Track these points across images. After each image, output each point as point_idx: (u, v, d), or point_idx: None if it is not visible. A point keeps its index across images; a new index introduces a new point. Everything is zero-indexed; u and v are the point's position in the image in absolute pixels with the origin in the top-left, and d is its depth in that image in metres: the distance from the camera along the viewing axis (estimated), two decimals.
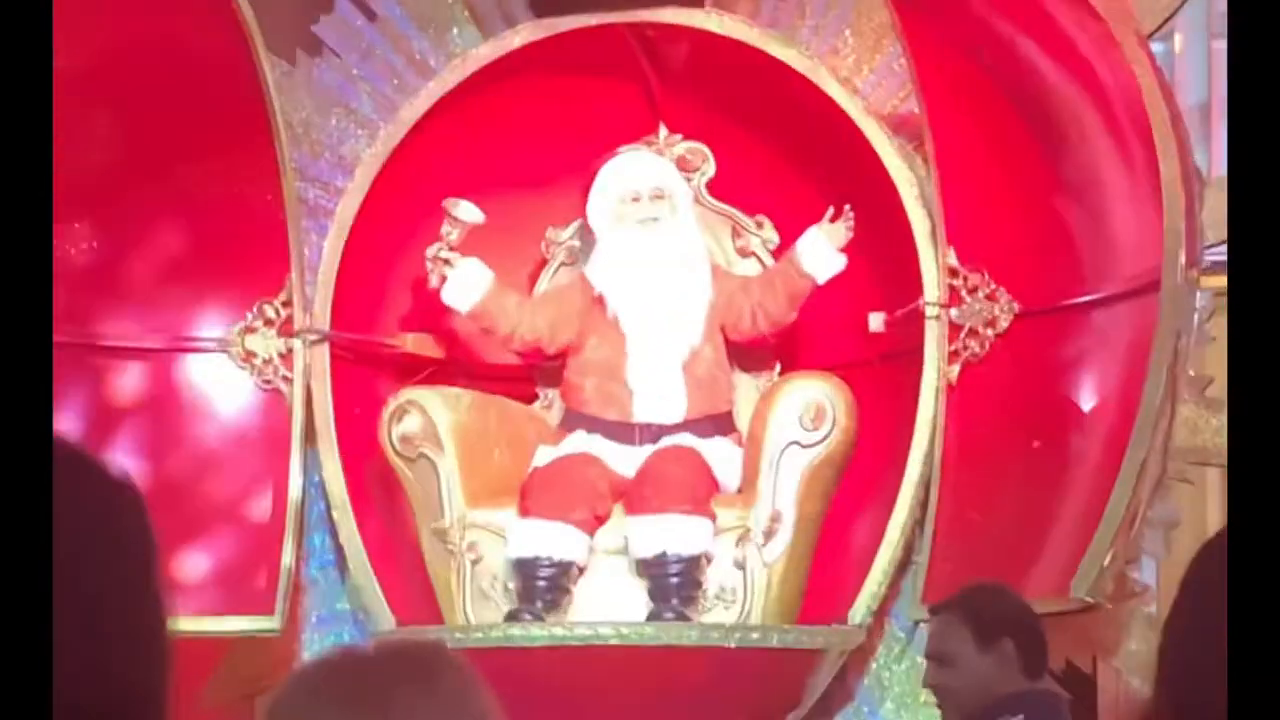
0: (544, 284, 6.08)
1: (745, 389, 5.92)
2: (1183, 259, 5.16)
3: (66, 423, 5.47)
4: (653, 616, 5.40)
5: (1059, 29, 5.39)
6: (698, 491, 5.49)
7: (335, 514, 5.76)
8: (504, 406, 5.88)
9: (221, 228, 5.83)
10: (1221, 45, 6.79)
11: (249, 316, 5.88)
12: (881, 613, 5.61)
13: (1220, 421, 5.41)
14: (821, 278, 5.63)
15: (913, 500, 5.53)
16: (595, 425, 5.71)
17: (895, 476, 5.56)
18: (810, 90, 5.78)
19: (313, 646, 5.83)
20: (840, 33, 5.94)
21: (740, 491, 5.62)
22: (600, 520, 5.54)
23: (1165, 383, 5.12)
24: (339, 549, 5.81)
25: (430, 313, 5.94)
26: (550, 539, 5.44)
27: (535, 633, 5.34)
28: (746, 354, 5.94)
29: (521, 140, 6.04)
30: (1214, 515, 6.21)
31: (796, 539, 5.50)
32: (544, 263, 6.11)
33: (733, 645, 5.33)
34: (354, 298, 5.92)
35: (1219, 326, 5.40)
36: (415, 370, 5.96)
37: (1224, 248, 4.86)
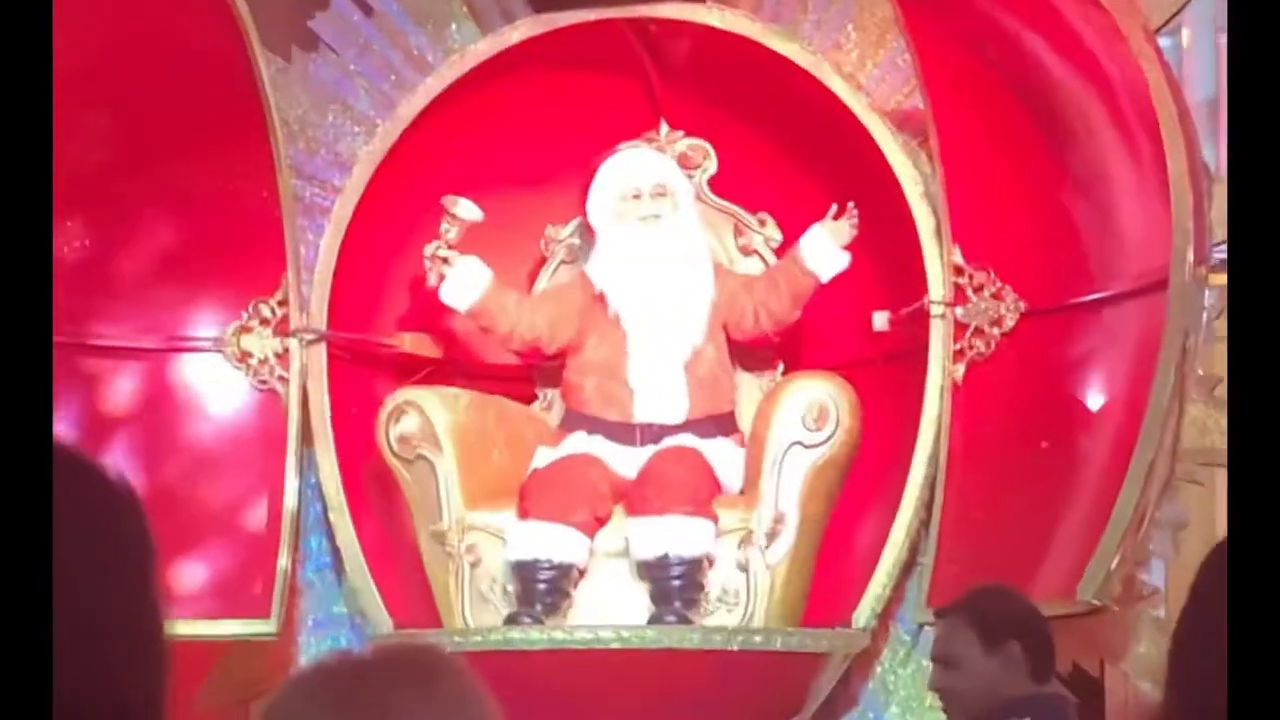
0: (543, 282, 6.08)
1: (748, 389, 5.92)
2: (1191, 256, 5.15)
3: (60, 424, 5.46)
4: (654, 620, 5.39)
5: (1065, 23, 5.39)
6: (699, 493, 5.48)
7: (332, 516, 5.76)
8: (503, 407, 5.87)
9: (216, 226, 5.83)
10: None
11: (244, 316, 5.88)
12: (886, 615, 5.61)
13: None
14: (825, 276, 5.63)
15: (917, 501, 5.53)
16: (595, 426, 5.71)
17: (899, 477, 5.56)
18: (813, 86, 5.78)
19: (309, 650, 5.83)
20: (843, 28, 5.94)
21: (743, 493, 5.62)
22: (601, 522, 5.53)
23: (1173, 382, 5.11)
24: (336, 551, 5.81)
25: (428, 312, 5.94)
26: (550, 541, 5.44)
27: (535, 636, 5.33)
28: (749, 353, 5.93)
29: (520, 137, 6.04)
30: (1223, 517, 6.20)
31: (800, 541, 5.50)
32: (543, 261, 6.11)
33: (735, 649, 5.32)
34: (351, 296, 5.91)
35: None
36: (413, 370, 5.96)
37: None
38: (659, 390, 5.70)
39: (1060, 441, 5.39)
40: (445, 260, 5.72)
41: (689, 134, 6.04)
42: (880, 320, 5.71)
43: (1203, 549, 1.94)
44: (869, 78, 5.88)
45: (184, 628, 5.25)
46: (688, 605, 5.40)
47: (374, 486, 5.81)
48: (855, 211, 5.57)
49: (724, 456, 5.63)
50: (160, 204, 5.81)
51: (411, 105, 5.94)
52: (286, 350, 5.83)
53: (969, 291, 5.59)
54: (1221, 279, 5.35)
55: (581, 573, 5.50)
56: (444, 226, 5.71)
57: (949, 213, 5.58)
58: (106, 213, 5.75)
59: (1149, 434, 5.06)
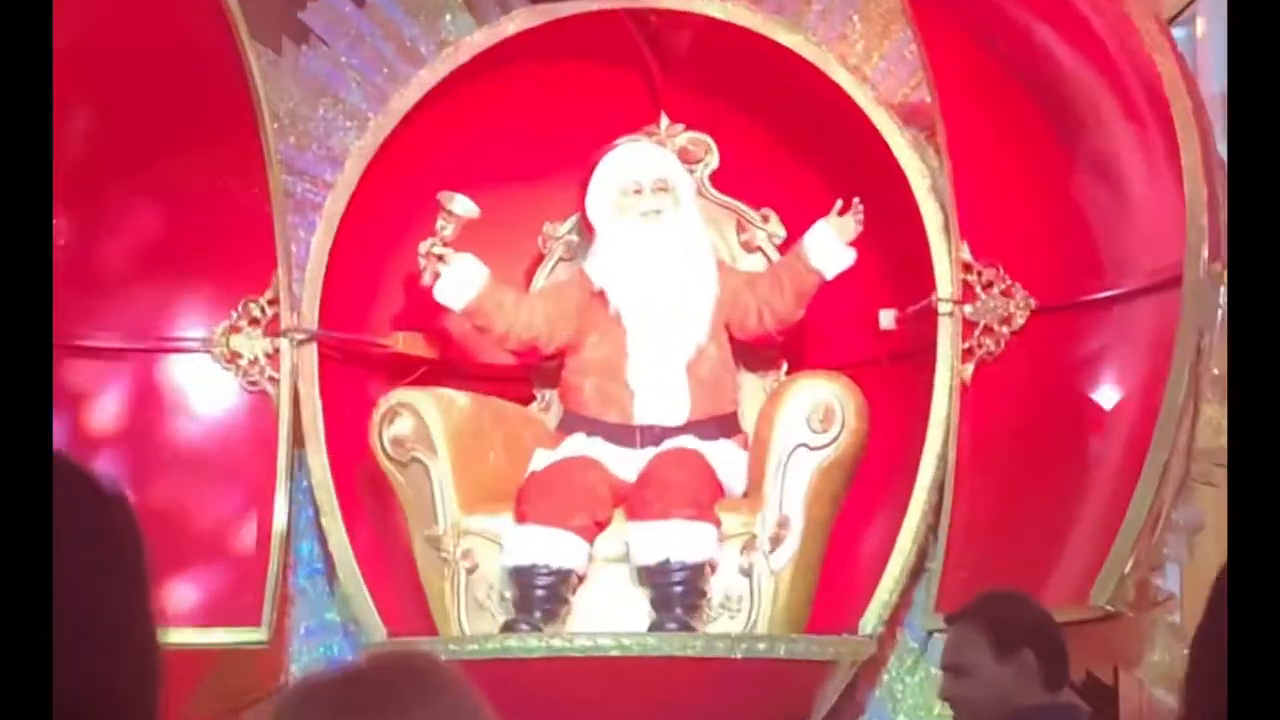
0: (541, 280, 6.08)
1: (751, 389, 5.92)
2: (1205, 253, 5.14)
3: None
4: (655, 626, 5.39)
5: (1076, 13, 5.39)
6: (701, 496, 5.48)
7: (324, 520, 5.76)
8: (499, 408, 5.87)
9: (204, 223, 5.83)
10: None
11: (234, 315, 5.88)
12: (893, 622, 5.60)
13: None
14: (830, 273, 5.63)
15: (925, 505, 5.53)
16: (595, 427, 5.70)
17: (907, 480, 5.56)
18: (817, 78, 5.78)
19: (301, 658, 5.83)
20: (848, 18, 5.93)
21: (746, 496, 5.62)
22: (600, 526, 5.53)
23: (1188, 381, 5.10)
24: (328, 557, 5.80)
25: (423, 311, 5.94)
26: (548, 546, 5.43)
27: (533, 644, 5.33)
28: (752, 353, 5.93)
29: (517, 131, 6.05)
30: None
31: (805, 545, 5.49)
32: (541, 258, 6.11)
33: (738, 656, 5.32)
34: (343, 295, 5.92)
35: None
36: (407, 371, 5.96)
37: None
38: (660, 391, 5.70)
39: (1072, 442, 5.39)
40: (440, 258, 5.71)
41: (690, 127, 6.04)
42: (887, 318, 5.71)
43: (1218, 553, 1.92)
44: (875, 70, 5.88)
45: (172, 636, 5.23)
46: (689, 612, 5.40)
47: (367, 490, 5.80)
48: (861, 207, 5.57)
49: (727, 459, 5.63)
50: (146, 200, 5.81)
51: (405, 99, 5.94)
52: (277, 350, 5.84)
53: (978, 289, 5.59)
54: None
55: (580, 578, 5.50)
56: (440, 223, 5.71)
57: (957, 208, 5.58)
58: (91, 210, 5.75)
59: (1163, 435, 5.06)
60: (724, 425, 5.74)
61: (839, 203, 5.61)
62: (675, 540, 5.39)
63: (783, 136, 5.97)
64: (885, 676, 5.67)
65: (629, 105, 6.03)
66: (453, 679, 1.73)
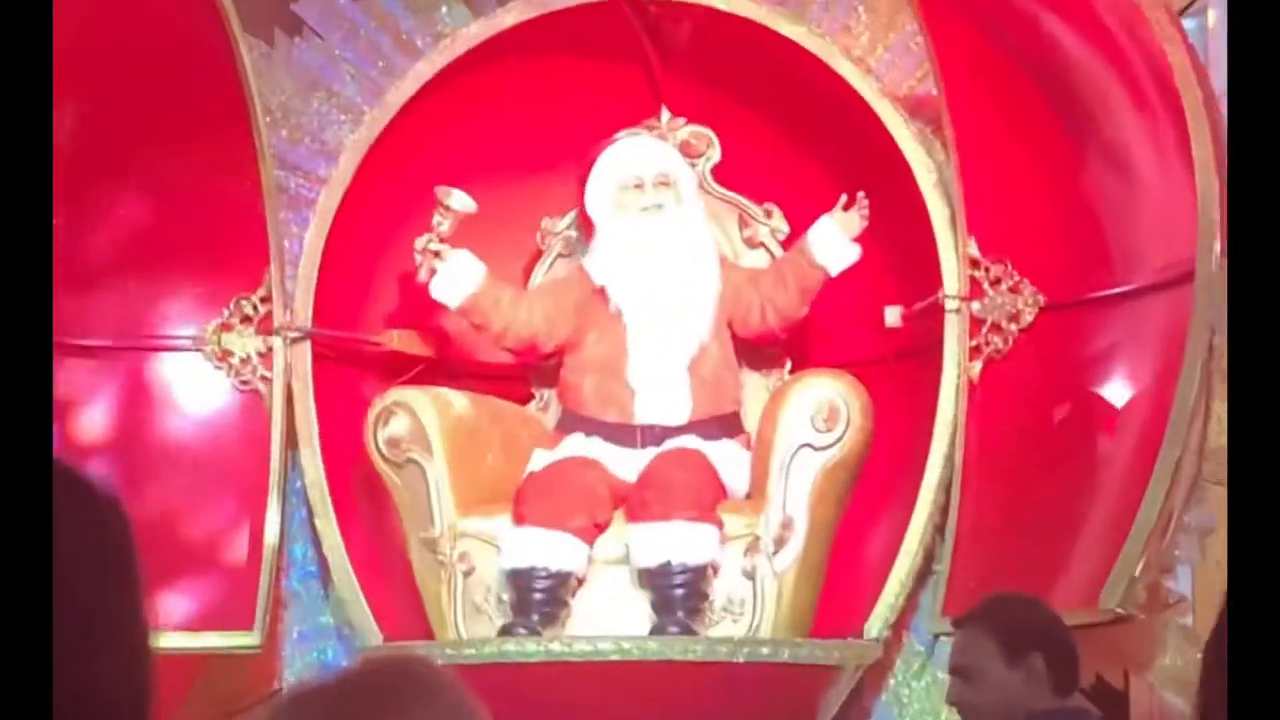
0: (539, 277, 6.09)
1: (754, 388, 5.92)
2: (1217, 248, 5.14)
3: None
4: (656, 630, 5.38)
5: (1085, 3, 5.40)
6: (703, 497, 5.47)
7: (318, 522, 5.76)
8: (497, 408, 5.87)
9: (196, 219, 5.83)
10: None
11: (225, 313, 5.89)
12: (899, 626, 5.60)
13: None
14: (834, 269, 5.63)
15: (932, 506, 5.53)
16: (594, 427, 5.70)
17: (913, 480, 5.56)
18: (821, 70, 5.78)
19: (294, 663, 5.83)
20: (853, 9, 5.93)
21: (749, 497, 5.61)
22: (600, 528, 5.53)
23: (1200, 379, 5.10)
24: (322, 560, 5.81)
25: (418, 308, 5.94)
26: (547, 548, 5.42)
27: (531, 648, 5.32)
28: (755, 351, 5.93)
29: (515, 125, 6.05)
30: None
31: (809, 547, 5.49)
32: (539, 254, 6.11)
33: (741, 660, 5.31)
34: (337, 293, 5.92)
35: None
36: (402, 369, 5.96)
37: None
38: (661, 389, 5.70)
39: (1082, 442, 5.39)
40: (437, 254, 5.71)
41: (691, 121, 6.05)
42: (892, 316, 5.71)
43: None
44: (880, 61, 5.88)
45: (163, 641, 5.20)
46: (691, 615, 5.39)
47: (362, 491, 5.80)
48: (866, 202, 5.57)
49: (729, 459, 5.62)
50: (135, 195, 5.81)
51: (400, 92, 5.94)
52: (270, 349, 5.85)
53: (985, 285, 5.59)
54: None
55: (580, 581, 5.50)
56: (436, 218, 5.70)
57: (964, 203, 5.58)
58: (80, 205, 5.74)
59: (1174, 434, 5.05)
60: (726, 425, 5.74)
61: (843, 197, 5.61)
62: (676, 542, 5.39)
63: (786, 130, 5.96)
64: (891, 681, 5.67)
65: (629, 98, 6.03)
66: (449, 684, 1.73)
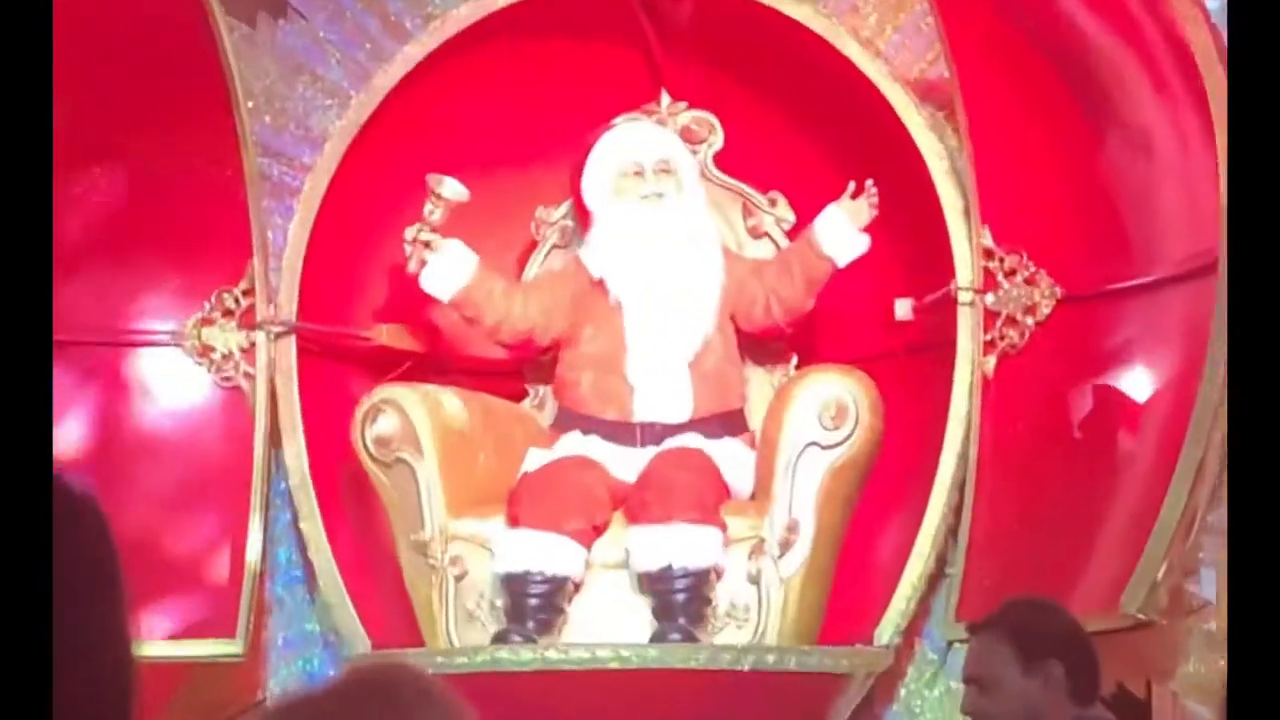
0: (534, 268, 6.10)
1: (758, 384, 5.92)
2: None
3: None
4: (657, 637, 5.39)
5: None
6: (706, 498, 5.48)
7: (303, 525, 5.77)
8: (490, 405, 5.87)
9: (175, 208, 5.84)
10: None
11: (206, 307, 5.90)
12: (911, 632, 5.61)
13: None
14: (842, 260, 5.64)
15: (945, 507, 5.53)
16: (592, 425, 5.70)
17: (925, 481, 5.56)
18: (828, 52, 5.79)
19: (279, 672, 5.84)
20: None
21: (753, 498, 5.62)
22: (598, 530, 5.53)
23: (1223, 373, 5.08)
24: (307, 564, 5.82)
25: (408, 301, 5.95)
26: (542, 552, 5.42)
27: (526, 656, 5.32)
28: (759, 346, 5.94)
29: (508, 110, 6.06)
30: None
31: (816, 550, 5.49)
32: (533, 245, 6.12)
33: (746, 668, 5.31)
34: (323, 285, 5.93)
35: None
36: (391, 365, 5.96)
37: None
38: (661, 386, 5.70)
39: (1101, 440, 5.40)
40: (427, 244, 5.72)
41: (693, 106, 6.06)
42: (903, 309, 5.71)
43: None
44: (889, 44, 5.88)
45: (142, 649, 5.22)
46: (693, 621, 5.39)
47: (349, 493, 5.81)
48: (875, 190, 5.57)
49: (732, 458, 5.63)
50: (111, 184, 5.81)
51: (388, 75, 5.95)
52: (253, 344, 5.86)
53: (1000, 277, 5.59)
54: None
55: (577, 586, 5.50)
56: (428, 208, 5.70)
57: (977, 190, 5.59)
58: (54, 194, 5.73)
59: (1197, 431, 5.05)
60: (729, 423, 5.74)
61: (851, 185, 5.61)
62: (678, 545, 5.39)
63: (791, 115, 5.97)
64: (902, 690, 5.68)
65: (627, 82, 6.05)
66: (440, 694, 1.72)
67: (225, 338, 5.87)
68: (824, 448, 5.48)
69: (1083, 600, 5.01)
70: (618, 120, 5.91)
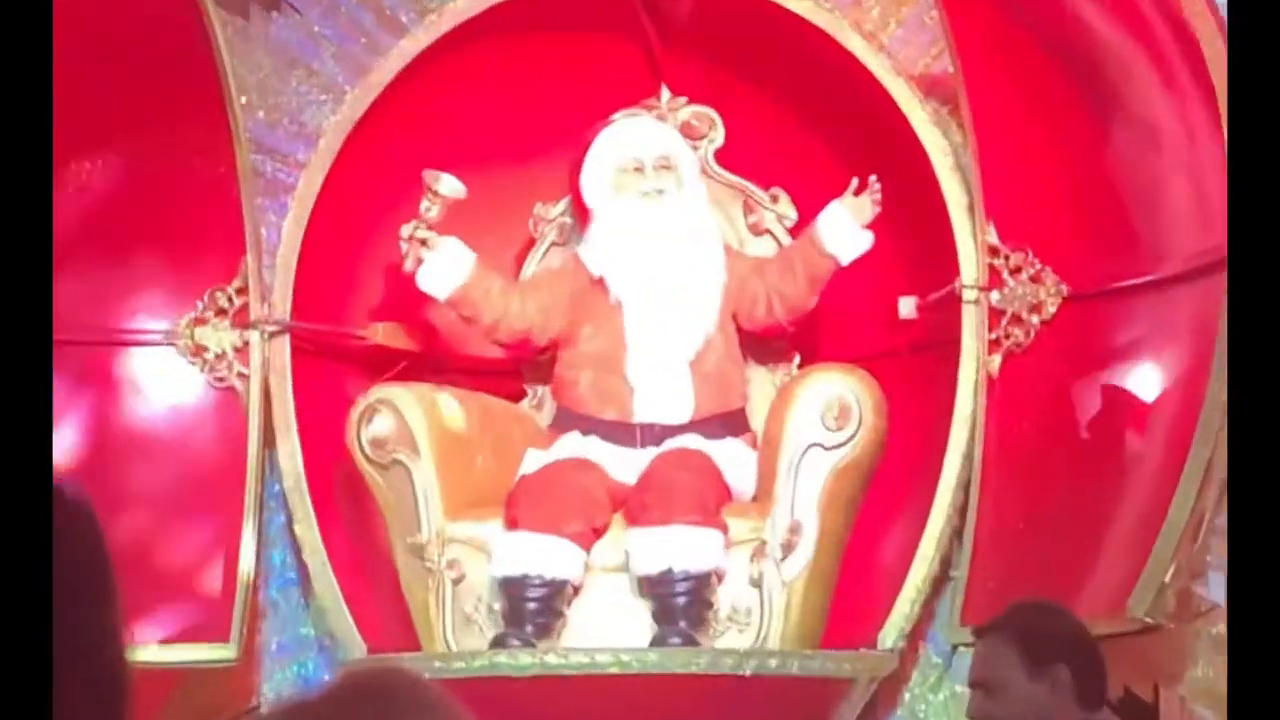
0: (532, 266, 6.09)
1: (760, 384, 5.92)
2: None
3: None
4: (657, 641, 5.38)
5: None
6: (707, 500, 5.47)
7: (298, 528, 5.76)
8: (488, 406, 5.87)
9: (167, 206, 5.84)
10: None
11: (199, 306, 5.90)
12: (915, 636, 5.61)
13: None
14: (845, 258, 5.64)
15: (949, 508, 5.53)
16: (591, 426, 5.70)
17: (929, 482, 5.56)
18: (830, 47, 5.79)
19: (273, 677, 5.84)
20: None
21: (755, 500, 5.62)
22: (597, 533, 5.53)
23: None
24: (302, 567, 5.81)
25: (404, 300, 5.94)
26: (541, 554, 5.42)
27: (525, 661, 5.31)
28: (761, 345, 5.94)
29: (506, 105, 6.05)
30: None
31: (819, 553, 5.49)
32: (532, 242, 6.12)
33: (748, 673, 5.31)
34: (318, 284, 5.93)
35: None
36: (387, 365, 5.96)
37: None
38: (661, 386, 5.70)
39: (1107, 440, 5.39)
40: (424, 242, 5.71)
41: (693, 101, 6.06)
42: (907, 307, 5.71)
43: None
44: (892, 38, 5.88)
45: (136, 653, 5.22)
46: (694, 625, 5.39)
47: (344, 495, 5.81)
48: (878, 186, 5.57)
49: (734, 459, 5.62)
50: (102, 180, 5.80)
51: (384, 70, 5.95)
52: (246, 344, 5.86)
53: (1005, 274, 5.59)
54: None
55: (576, 589, 5.49)
56: (424, 205, 5.70)
57: (982, 187, 5.58)
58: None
59: (1205, 430, 5.05)
60: (731, 423, 5.73)
61: (854, 182, 5.61)
62: (678, 548, 5.38)
63: (793, 110, 5.97)
64: (907, 695, 5.68)
65: (626, 77, 6.04)
66: (437, 699, 1.72)
67: (219, 337, 5.87)
68: (827, 448, 5.48)
69: (1089, 603, 5.01)
70: (617, 116, 5.91)
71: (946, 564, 5.55)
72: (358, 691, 1.72)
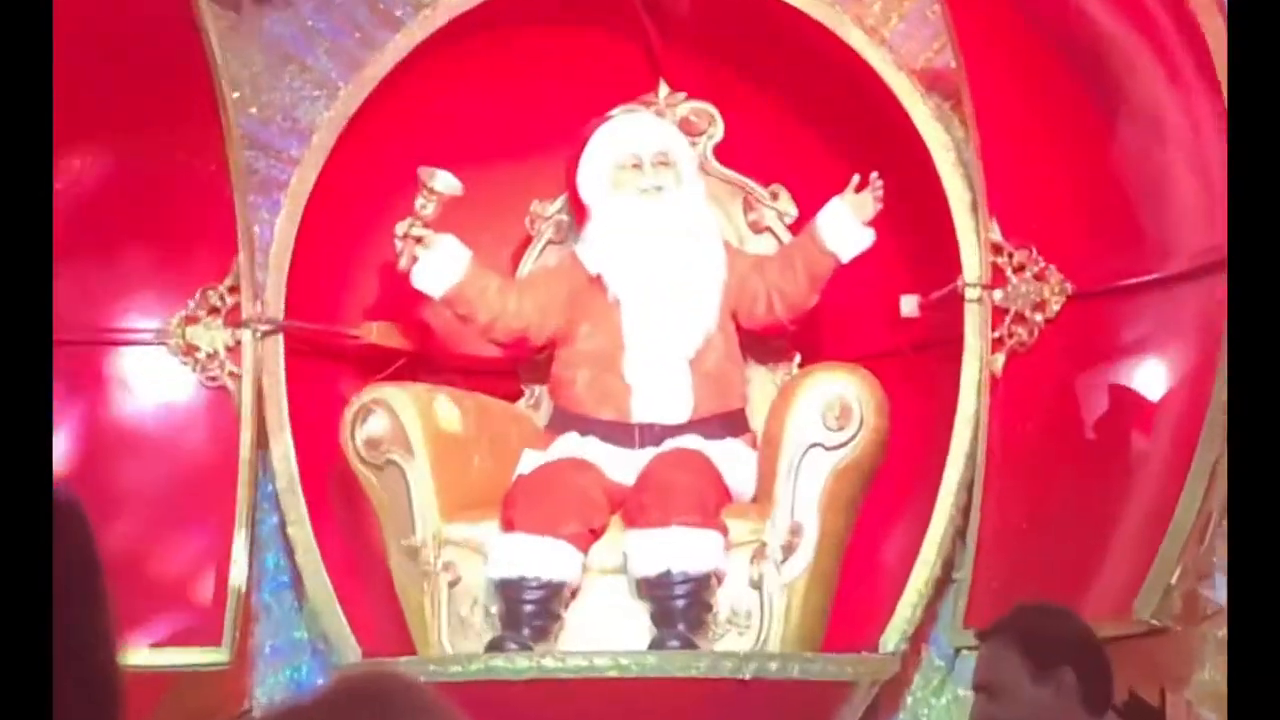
0: (529, 264, 6.08)
1: (760, 384, 5.92)
2: None
3: None
4: (656, 644, 5.38)
5: None
6: (706, 501, 5.47)
7: (291, 530, 5.77)
8: (484, 405, 5.87)
9: (158, 203, 5.84)
10: None
11: (191, 304, 5.90)
12: (918, 639, 5.61)
13: None
14: (846, 255, 5.64)
15: (952, 509, 5.53)
16: (589, 426, 5.70)
17: (932, 483, 5.56)
18: (831, 41, 5.79)
19: (266, 681, 5.84)
20: None
21: (755, 501, 5.62)
22: (595, 534, 5.52)
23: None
24: (295, 570, 5.82)
25: (399, 298, 5.95)
26: (538, 556, 5.42)
27: (521, 664, 5.31)
28: (761, 344, 5.94)
29: (502, 101, 6.05)
30: None
31: (819, 555, 5.49)
32: (528, 240, 6.12)
33: (747, 676, 5.31)
34: (311, 282, 5.92)
35: None
36: (382, 365, 5.96)
37: None
38: (660, 385, 5.70)
39: (1113, 440, 5.39)
40: (419, 240, 5.71)
41: (692, 96, 6.06)
42: (909, 305, 5.71)
43: None
44: (894, 32, 5.88)
45: (126, 657, 5.21)
46: (693, 628, 5.39)
47: (338, 496, 5.81)
48: (879, 183, 5.57)
49: (733, 460, 5.62)
50: (91, 177, 5.79)
51: (379, 65, 5.94)
52: (238, 343, 5.86)
53: (1008, 272, 5.59)
54: None
55: (573, 592, 5.49)
56: (420, 202, 5.69)
57: (985, 183, 5.58)
58: None
59: (1212, 431, 5.05)
60: (730, 423, 5.73)
61: (855, 178, 5.61)
62: (677, 549, 5.38)
63: (793, 106, 5.97)
64: (909, 699, 5.68)
65: (624, 72, 6.04)
66: (432, 703, 1.72)
67: (210, 336, 5.87)
68: (828, 449, 5.47)
69: (1094, 606, 5.02)
70: (615, 111, 5.91)
71: (949, 566, 5.55)
72: (351, 696, 1.72)
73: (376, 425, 5.59)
